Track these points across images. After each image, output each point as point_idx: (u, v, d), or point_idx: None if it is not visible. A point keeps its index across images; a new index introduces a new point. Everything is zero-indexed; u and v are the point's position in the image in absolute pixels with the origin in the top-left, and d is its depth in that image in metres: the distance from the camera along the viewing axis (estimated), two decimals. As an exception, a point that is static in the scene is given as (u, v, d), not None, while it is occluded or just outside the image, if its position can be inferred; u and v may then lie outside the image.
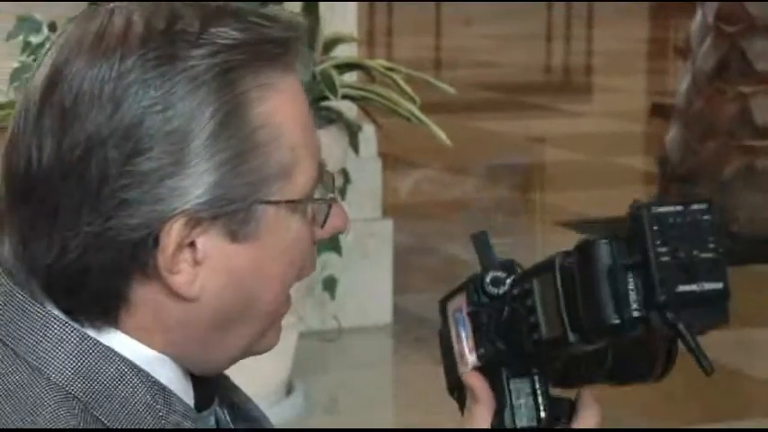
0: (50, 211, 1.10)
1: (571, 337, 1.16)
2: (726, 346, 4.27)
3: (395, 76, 3.71)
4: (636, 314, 1.12)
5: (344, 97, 3.64)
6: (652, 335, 1.17)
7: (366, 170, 4.26)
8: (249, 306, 1.16)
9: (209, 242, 1.12)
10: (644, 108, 8.32)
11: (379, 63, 3.83)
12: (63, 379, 1.12)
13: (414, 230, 5.25)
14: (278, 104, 1.13)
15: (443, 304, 1.30)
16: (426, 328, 4.31)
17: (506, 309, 1.23)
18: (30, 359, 1.12)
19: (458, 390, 1.28)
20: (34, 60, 3.33)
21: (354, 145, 3.68)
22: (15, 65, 3.37)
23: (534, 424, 1.24)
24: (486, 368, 1.24)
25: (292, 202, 1.14)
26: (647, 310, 1.13)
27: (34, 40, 3.37)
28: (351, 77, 3.91)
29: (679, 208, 1.14)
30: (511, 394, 1.24)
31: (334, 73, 3.60)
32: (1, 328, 1.13)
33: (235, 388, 1.28)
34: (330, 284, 3.80)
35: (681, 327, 1.13)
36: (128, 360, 1.13)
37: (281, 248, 1.15)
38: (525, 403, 1.24)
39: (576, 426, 1.24)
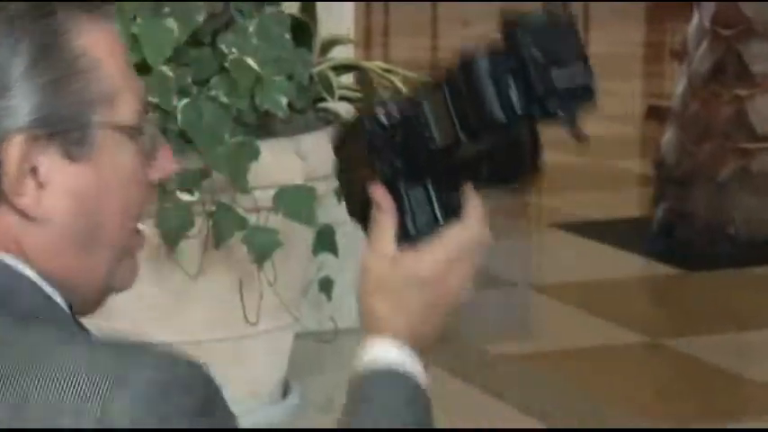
0: None
1: (462, 137, 1.33)
2: (724, 349, 4.28)
3: (391, 77, 3.72)
4: (519, 111, 1.31)
5: (341, 99, 3.64)
6: (523, 138, 1.38)
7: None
8: (96, 230, 1.28)
9: (50, 164, 1.24)
10: (640, 111, 8.32)
11: (376, 65, 3.84)
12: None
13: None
14: (95, 40, 1.28)
15: (335, 143, 1.45)
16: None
17: (401, 130, 1.38)
18: None
19: (360, 211, 1.42)
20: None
21: (351, 146, 3.67)
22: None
23: (432, 226, 1.38)
24: (386, 184, 1.39)
25: (118, 126, 1.27)
26: (529, 102, 1.31)
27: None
28: (348, 79, 3.92)
29: (543, 17, 1.33)
30: (410, 202, 1.38)
31: (331, 75, 3.61)
32: None
33: None
34: (326, 285, 3.81)
35: (561, 114, 1.32)
36: (20, 274, 1.24)
37: (118, 173, 1.28)
38: (422, 209, 1.39)
39: (464, 218, 1.39)
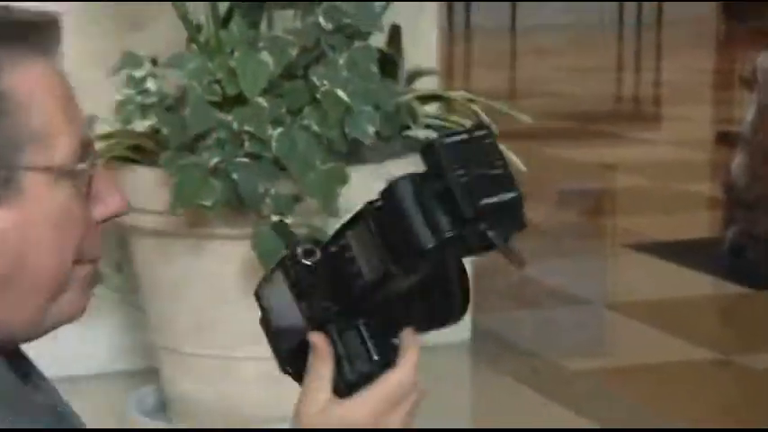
0: None
1: (393, 269, 1.23)
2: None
3: (474, 106, 3.72)
4: (448, 234, 1.20)
5: (426, 127, 3.65)
6: (448, 269, 1.27)
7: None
8: (25, 274, 1.18)
9: None
10: (710, 136, 8.25)
11: (459, 94, 3.85)
12: None
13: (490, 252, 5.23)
14: (25, 78, 1.17)
15: (258, 293, 1.34)
16: (503, 347, 4.31)
17: (325, 269, 1.27)
18: None
19: (292, 361, 1.32)
20: (137, 93, 3.37)
21: (435, 172, 3.68)
22: (119, 98, 3.41)
23: (368, 368, 1.28)
24: (318, 329, 1.28)
25: (47, 168, 1.17)
26: (459, 228, 1.20)
27: (137, 74, 3.42)
28: (432, 108, 3.92)
29: (465, 136, 1.23)
30: (344, 346, 1.28)
31: (416, 104, 3.61)
32: None
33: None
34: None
35: (491, 234, 1.22)
36: None
37: (48, 217, 1.18)
38: (357, 352, 1.28)
39: (400, 361, 1.28)
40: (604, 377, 4.18)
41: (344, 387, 1.28)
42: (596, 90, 10.13)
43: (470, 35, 12.94)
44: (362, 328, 1.28)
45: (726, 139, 7.74)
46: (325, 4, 3.41)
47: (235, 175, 3.20)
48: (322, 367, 1.27)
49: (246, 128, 3.22)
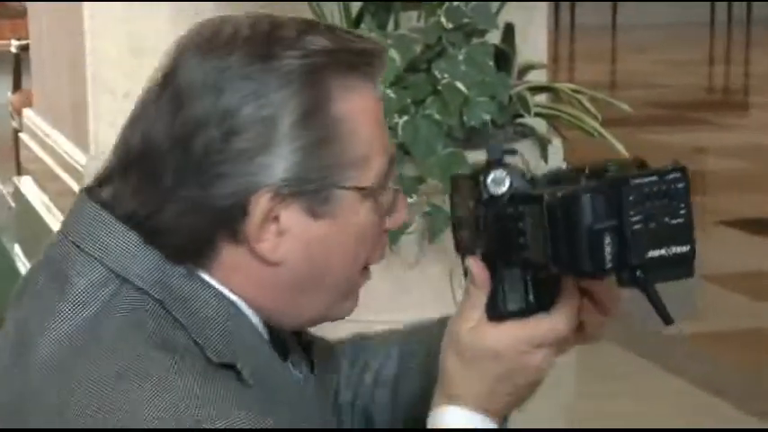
0: (155, 176, 1.12)
1: (552, 268, 1.14)
2: None
3: (579, 96, 3.67)
4: (608, 266, 1.10)
5: (537, 115, 3.61)
6: None
7: (554, 177, 4.21)
8: (322, 276, 1.16)
9: (292, 216, 1.12)
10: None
11: (566, 86, 3.79)
12: (146, 285, 1.12)
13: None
14: (356, 105, 1.14)
15: (455, 181, 1.26)
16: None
17: (499, 223, 1.19)
18: (118, 270, 1.13)
19: (462, 256, 1.25)
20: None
21: (545, 156, 3.64)
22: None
23: (522, 307, 1.19)
24: (484, 257, 1.21)
25: (363, 188, 1.14)
26: (619, 265, 1.10)
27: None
28: (541, 98, 3.88)
29: (654, 178, 1.10)
30: (504, 281, 1.20)
31: (527, 95, 3.57)
32: (96, 248, 1.14)
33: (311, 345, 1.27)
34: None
35: (648, 286, 1.11)
36: (202, 278, 1.14)
37: (352, 229, 1.15)
38: (515, 291, 1.20)
39: (556, 309, 1.19)
40: (701, 341, 4.11)
41: (494, 317, 1.20)
42: (690, 81, 9.97)
43: (575, 33, 12.80)
44: (524, 270, 1.20)
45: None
46: (446, 5, 3.38)
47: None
48: (476, 293, 1.20)
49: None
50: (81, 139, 4.43)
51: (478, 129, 3.33)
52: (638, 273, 1.10)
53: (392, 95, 3.26)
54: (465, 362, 1.20)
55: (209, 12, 4.36)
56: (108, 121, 4.23)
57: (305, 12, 3.63)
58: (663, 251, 1.10)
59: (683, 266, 1.12)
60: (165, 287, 1.12)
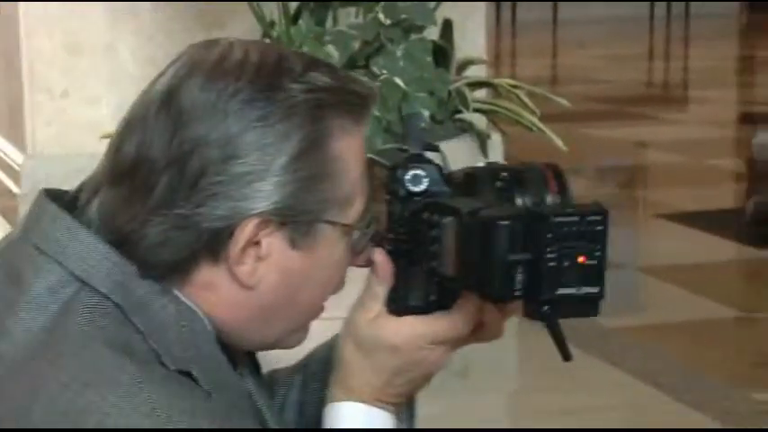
0: (148, 190, 1.13)
1: (459, 284, 1.16)
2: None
3: (518, 91, 3.70)
4: (518, 293, 1.11)
5: (475, 110, 3.64)
6: None
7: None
8: (291, 305, 1.18)
9: (274, 244, 1.15)
10: (733, 116, 8.17)
11: (504, 81, 3.83)
12: (106, 289, 1.13)
13: (535, 223, 5.21)
14: (349, 145, 1.17)
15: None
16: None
17: (412, 225, 1.19)
18: (78, 273, 1.13)
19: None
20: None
21: (484, 151, 3.67)
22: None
23: (423, 304, 1.21)
24: (391, 252, 1.22)
25: (345, 226, 1.17)
26: (528, 297, 1.11)
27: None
28: (480, 94, 3.91)
29: (575, 219, 1.11)
30: (408, 276, 1.21)
31: (466, 90, 3.60)
32: (56, 250, 1.15)
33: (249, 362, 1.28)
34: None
35: (553, 322, 1.13)
36: (160, 285, 1.15)
37: (328, 263, 1.18)
38: (418, 286, 1.21)
39: (456, 308, 1.21)
40: (638, 333, 4.16)
41: (394, 311, 1.21)
42: (630, 76, 10.05)
43: (516, 28, 12.87)
44: (429, 271, 1.20)
45: (748, 119, 7.66)
46: (384, 1, 3.40)
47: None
48: (378, 286, 1.22)
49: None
50: (17, 139, 4.40)
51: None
52: (545, 308, 1.11)
53: (331, 92, 3.27)
54: (363, 352, 1.22)
55: (146, 10, 4.36)
56: (45, 120, 4.21)
57: (245, 10, 3.63)
58: (573, 290, 1.11)
59: (589, 306, 1.13)
60: (125, 291, 1.13)
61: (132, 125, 1.16)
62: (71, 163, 3.11)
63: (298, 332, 1.22)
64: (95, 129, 3.63)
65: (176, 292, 1.16)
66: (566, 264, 1.10)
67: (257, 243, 1.14)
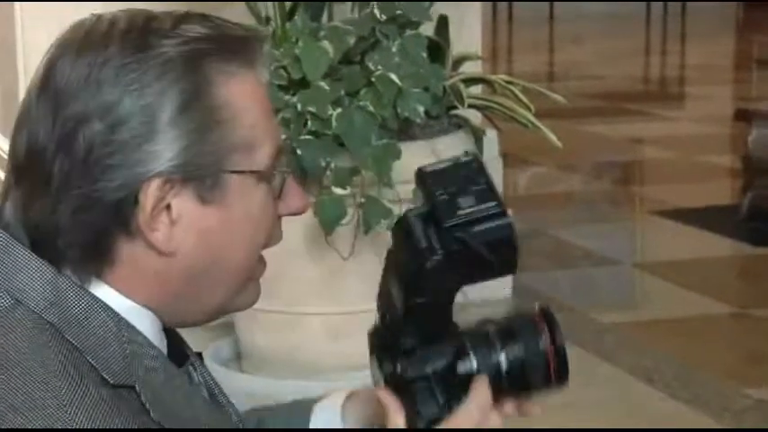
0: (46, 178, 1.13)
1: (404, 301, 1.19)
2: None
3: (513, 87, 3.70)
4: (437, 255, 1.16)
5: (470, 107, 3.64)
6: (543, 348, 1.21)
7: (489, 168, 4.22)
8: (219, 264, 1.16)
9: (183, 204, 1.13)
10: (729, 113, 8.18)
11: (499, 77, 3.83)
12: (39, 308, 1.12)
13: (530, 218, 5.23)
14: (238, 89, 1.15)
15: None
16: (538, 301, 4.29)
17: (389, 330, 1.22)
18: (11, 291, 1.13)
19: None
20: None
21: (479, 147, 3.68)
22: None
23: (437, 410, 1.21)
24: (389, 381, 1.23)
25: (253, 172, 1.15)
26: (446, 246, 1.15)
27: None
28: (476, 90, 3.91)
29: (448, 164, 1.20)
30: (414, 395, 1.22)
31: (461, 86, 3.60)
32: None
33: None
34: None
35: (467, 239, 1.16)
36: (97, 298, 1.14)
37: (247, 214, 1.16)
38: (426, 400, 1.22)
39: (468, 402, 1.21)
40: (632, 329, 4.17)
41: (416, 426, 1.22)
42: (626, 72, 10.05)
43: (512, 25, 12.87)
44: (431, 377, 1.22)
45: (743, 116, 7.67)
46: (379, -3, 3.40)
47: (299, 151, 3.20)
48: (397, 418, 1.21)
49: (309, 108, 3.22)
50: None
51: (412, 120, 3.35)
52: (457, 234, 1.15)
53: (326, 87, 3.27)
54: None
55: (141, 4, 4.36)
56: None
57: (240, 6, 3.63)
58: (473, 209, 1.16)
59: (499, 226, 1.17)
60: (59, 309, 1.12)
61: (21, 119, 1.16)
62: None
63: (244, 291, 1.20)
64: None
65: (108, 287, 1.14)
66: (453, 190, 1.17)
67: (168, 208, 1.13)
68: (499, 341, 1.23)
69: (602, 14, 12.87)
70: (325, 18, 3.54)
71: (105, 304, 1.14)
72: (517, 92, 3.67)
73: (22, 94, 4.23)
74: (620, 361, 3.83)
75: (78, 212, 1.13)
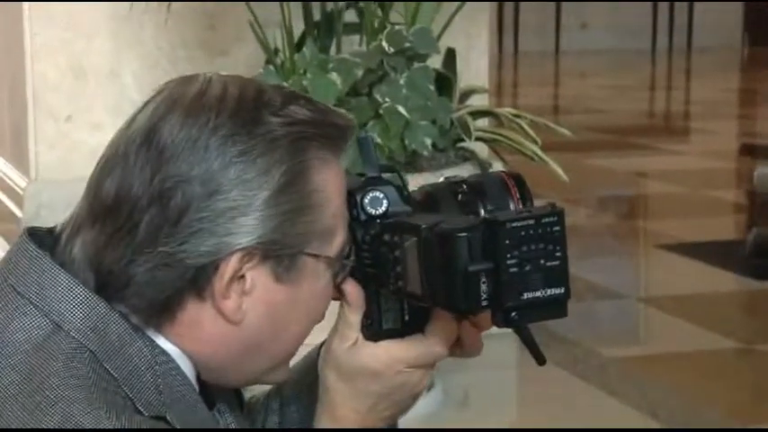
0: (131, 229, 1.13)
1: (427, 301, 1.15)
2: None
3: (520, 121, 3.71)
4: (484, 304, 1.11)
5: (477, 139, 3.64)
6: None
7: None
8: (276, 339, 1.18)
9: (258, 277, 1.14)
10: (734, 148, 8.18)
11: (506, 110, 3.83)
12: (80, 335, 1.12)
13: (535, 252, 5.21)
14: (330, 177, 1.16)
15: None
16: (546, 335, 4.28)
17: (375, 248, 1.19)
18: (51, 314, 1.13)
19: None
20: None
21: (485, 180, 3.67)
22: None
23: (398, 326, 1.22)
24: (360, 279, 1.22)
25: (327, 258, 1.17)
26: (494, 306, 1.11)
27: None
28: (483, 122, 3.91)
29: (531, 222, 1.11)
30: (379, 300, 1.21)
31: (468, 119, 3.61)
32: (32, 292, 1.14)
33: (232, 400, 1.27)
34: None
35: (522, 327, 1.13)
36: (136, 326, 1.14)
37: (312, 296, 1.17)
38: (391, 308, 1.22)
39: (431, 330, 1.22)
40: (637, 364, 4.15)
41: (370, 336, 1.22)
42: (631, 107, 10.07)
43: (518, 58, 12.90)
44: (396, 291, 1.20)
45: (749, 151, 7.67)
46: (388, 29, 3.41)
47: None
48: (351, 313, 1.23)
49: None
50: (21, 163, 4.40)
51: (420, 152, 3.35)
52: (512, 314, 1.11)
53: (334, 119, 3.28)
54: (345, 381, 1.23)
55: (150, 37, 4.37)
56: (48, 144, 4.21)
57: (249, 38, 3.64)
58: (538, 293, 1.11)
59: (557, 308, 1.13)
60: (99, 336, 1.12)
61: (112, 163, 1.15)
62: (74, 188, 3.10)
63: (280, 367, 1.22)
64: (99, 154, 3.62)
65: (153, 332, 1.15)
66: (527, 268, 1.10)
67: (242, 277, 1.14)
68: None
69: (608, 49, 12.91)
70: (333, 50, 3.55)
71: (143, 332, 1.14)
72: (524, 125, 3.67)
73: (30, 125, 4.22)
74: (625, 395, 3.81)
75: (156, 269, 1.12)
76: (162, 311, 1.14)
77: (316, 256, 1.16)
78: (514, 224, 1.10)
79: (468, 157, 3.63)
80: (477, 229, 1.10)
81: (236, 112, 1.14)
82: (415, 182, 3.72)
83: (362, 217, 1.21)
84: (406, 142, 3.31)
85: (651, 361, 4.19)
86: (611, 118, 9.40)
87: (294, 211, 1.14)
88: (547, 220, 1.11)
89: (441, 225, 1.12)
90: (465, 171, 3.50)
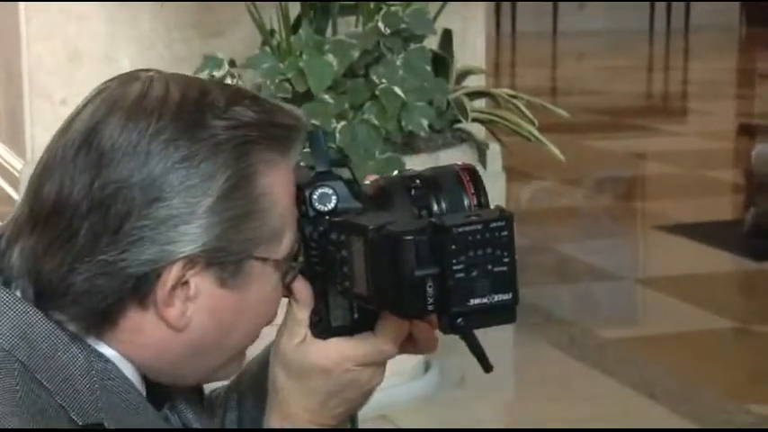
0: (70, 237, 1.10)
1: (374, 303, 1.13)
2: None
3: (517, 102, 3.70)
4: (430, 308, 1.08)
5: (474, 120, 3.64)
6: None
7: (492, 182, 4.23)
8: (221, 342, 1.16)
9: (202, 284, 1.12)
10: (732, 128, 8.17)
11: (503, 91, 3.83)
12: (9, 345, 1.09)
13: (532, 233, 5.23)
14: (276, 179, 1.13)
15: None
16: (544, 317, 4.29)
17: (323, 246, 1.16)
18: None
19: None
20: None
21: (482, 161, 3.67)
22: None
23: (348, 324, 1.19)
24: (309, 276, 1.19)
25: (276, 261, 1.14)
26: (441, 311, 1.08)
27: (217, 74, 3.43)
28: (479, 103, 3.91)
29: (478, 227, 1.08)
30: (328, 297, 1.18)
31: (465, 100, 3.60)
32: None
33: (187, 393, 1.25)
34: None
35: (468, 333, 1.11)
36: (71, 333, 1.11)
37: (261, 299, 1.15)
38: (339, 305, 1.19)
39: (380, 328, 1.19)
40: (634, 344, 4.16)
41: (319, 334, 1.20)
42: (628, 88, 10.06)
43: (516, 39, 12.88)
44: (343, 291, 1.17)
45: (746, 131, 7.66)
46: (384, 10, 3.40)
47: (303, 163, 3.19)
48: (299, 310, 1.20)
49: (313, 121, 3.22)
50: (17, 145, 4.40)
51: (416, 133, 3.35)
52: (458, 320, 1.08)
53: (330, 101, 3.27)
54: (294, 378, 1.21)
55: (146, 19, 4.35)
56: (44, 126, 4.21)
57: (244, 19, 3.63)
58: (485, 299, 1.08)
59: (505, 313, 1.10)
60: (29, 345, 1.09)
61: (51, 167, 1.12)
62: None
63: (230, 365, 1.20)
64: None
65: (94, 339, 1.12)
66: (474, 273, 1.07)
67: (185, 283, 1.11)
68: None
69: (605, 30, 12.89)
70: (329, 31, 3.54)
71: (77, 337, 1.12)
72: (521, 106, 3.67)
73: (26, 108, 4.22)
74: (623, 376, 3.82)
75: (96, 278, 1.10)
76: (103, 319, 1.12)
77: (263, 259, 1.13)
78: (461, 229, 1.07)
79: (465, 138, 3.62)
80: (425, 232, 1.08)
81: (179, 115, 1.11)
82: (411, 163, 3.74)
83: (311, 213, 1.18)
84: (403, 123, 3.31)
85: (649, 341, 4.19)
86: (608, 99, 9.39)
87: (239, 217, 1.11)
88: (495, 224, 1.08)
89: (387, 227, 1.10)
90: (461, 152, 3.50)
